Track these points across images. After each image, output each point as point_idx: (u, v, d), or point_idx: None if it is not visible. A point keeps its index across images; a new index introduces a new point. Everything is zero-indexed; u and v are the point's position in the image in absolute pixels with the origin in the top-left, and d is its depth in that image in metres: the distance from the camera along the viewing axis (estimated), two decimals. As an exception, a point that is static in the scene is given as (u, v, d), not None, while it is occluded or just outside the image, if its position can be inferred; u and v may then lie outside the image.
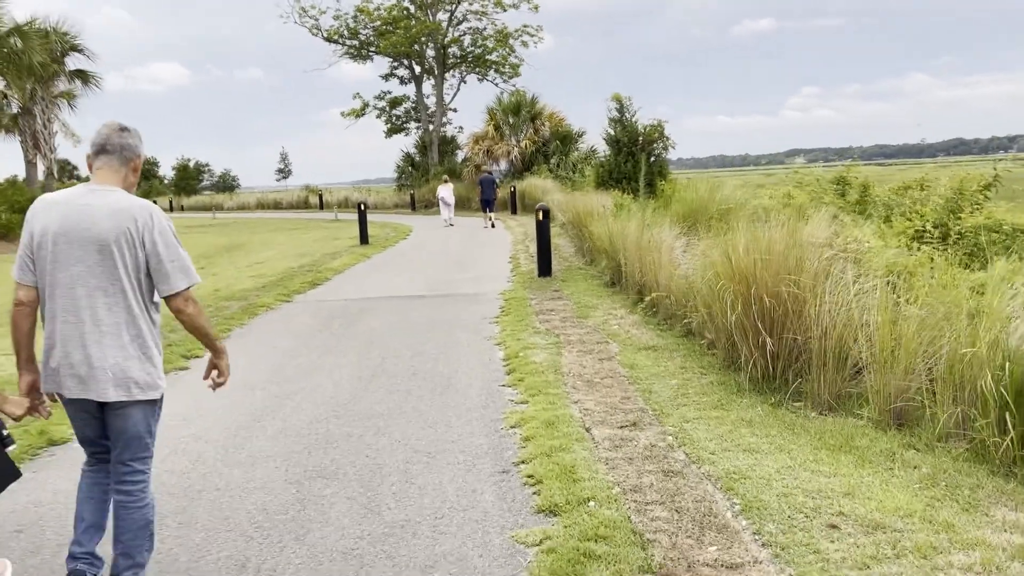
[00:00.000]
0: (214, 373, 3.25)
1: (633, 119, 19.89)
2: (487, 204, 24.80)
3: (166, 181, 65.08)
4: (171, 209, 55.21)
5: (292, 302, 11.29)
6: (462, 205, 32.75)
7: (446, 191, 25.89)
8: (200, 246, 24.24)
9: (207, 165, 67.33)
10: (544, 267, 12.10)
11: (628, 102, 19.81)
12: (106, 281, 2.89)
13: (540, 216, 12.11)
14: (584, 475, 4.15)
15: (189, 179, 63.38)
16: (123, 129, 3.05)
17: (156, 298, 3.07)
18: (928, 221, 8.02)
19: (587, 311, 9.11)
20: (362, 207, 20.16)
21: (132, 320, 2.95)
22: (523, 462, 4.45)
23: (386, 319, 9.38)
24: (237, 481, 4.45)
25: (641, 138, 19.59)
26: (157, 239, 2.93)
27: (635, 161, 19.18)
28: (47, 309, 2.97)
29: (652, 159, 19.57)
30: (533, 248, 16.93)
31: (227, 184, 66.20)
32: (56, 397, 3.08)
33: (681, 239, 8.99)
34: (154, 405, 3.09)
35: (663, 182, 18.61)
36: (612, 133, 20.19)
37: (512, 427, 5.10)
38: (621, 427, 4.94)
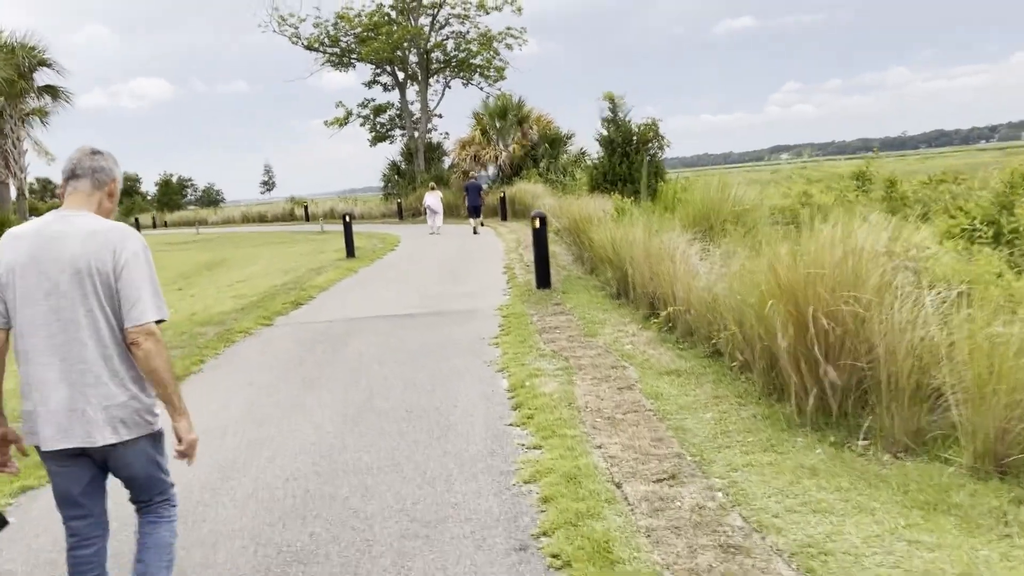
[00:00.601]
0: (174, 439, 2.88)
1: (626, 118, 19.10)
2: (474, 210, 24.61)
3: (149, 197, 63.98)
4: (154, 225, 54.18)
5: (273, 325, 10.44)
6: (451, 212, 31.96)
7: (433, 199, 25.44)
8: (181, 264, 23.35)
9: (190, 180, 66.17)
10: (543, 278, 11.29)
11: (621, 100, 19.02)
12: (80, 313, 2.64)
13: (537, 223, 11.31)
14: (623, 554, 3.33)
15: (172, 195, 62.17)
16: (95, 152, 2.86)
17: None
18: (975, 218, 7.25)
19: (595, 328, 8.30)
20: (347, 218, 19.30)
21: (111, 355, 2.68)
22: (544, 534, 3.63)
23: (374, 342, 8.55)
24: (194, 569, 3.62)
25: (635, 138, 18.78)
26: (130, 262, 2.67)
27: (630, 162, 18.37)
28: (19, 351, 2.72)
29: (647, 159, 18.78)
30: (528, 256, 16.13)
31: (211, 199, 65.08)
32: (25, 451, 2.84)
33: (695, 245, 8.19)
34: (154, 439, 2.85)
35: (662, 183, 17.83)
36: (605, 133, 19.36)
37: (526, 483, 4.28)
38: (658, 481, 4.12)
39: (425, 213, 25.95)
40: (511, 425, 5.32)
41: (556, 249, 16.45)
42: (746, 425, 4.86)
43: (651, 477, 4.17)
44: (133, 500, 2.96)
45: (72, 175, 2.82)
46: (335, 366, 7.60)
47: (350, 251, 19.22)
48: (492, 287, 12.33)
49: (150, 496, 2.93)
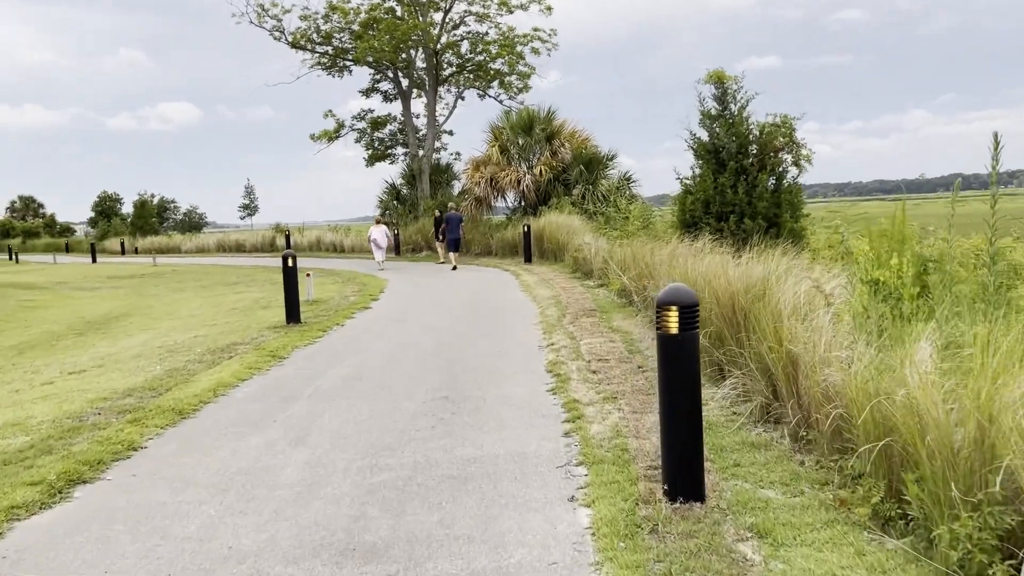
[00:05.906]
0: None
1: (743, 113, 11.76)
2: (454, 244, 22.47)
3: (129, 220, 57.26)
4: (123, 252, 47.36)
5: None
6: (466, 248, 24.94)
7: (378, 232, 23.77)
8: (62, 317, 16.24)
9: (172, 202, 59.34)
10: (688, 481, 4.04)
11: (735, 84, 11.73)
12: None
13: (672, 324, 4.11)
14: None
15: (147, 218, 55.24)
16: None
17: None
18: None
19: None
20: (289, 262, 12.11)
21: None
22: None
23: None
24: None
25: (757, 146, 11.57)
26: None
27: (750, 184, 11.16)
28: None
29: (773, 182, 11.57)
30: (587, 343, 8.91)
31: (192, 223, 58.18)
32: None
33: None
34: None
35: (798, 222, 10.63)
36: (706, 138, 12.00)
37: None
38: None
39: (370, 248, 24.33)
40: None
41: (624, 325, 9.27)
42: None
43: None
44: None
45: None
46: None
47: (292, 314, 12.07)
48: (537, 445, 5.18)
49: None
